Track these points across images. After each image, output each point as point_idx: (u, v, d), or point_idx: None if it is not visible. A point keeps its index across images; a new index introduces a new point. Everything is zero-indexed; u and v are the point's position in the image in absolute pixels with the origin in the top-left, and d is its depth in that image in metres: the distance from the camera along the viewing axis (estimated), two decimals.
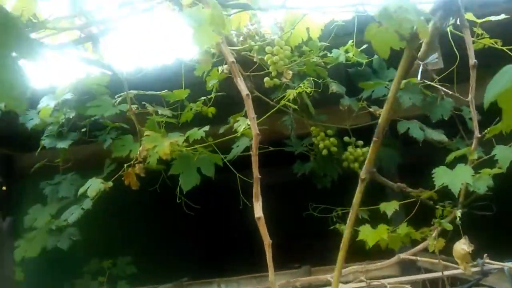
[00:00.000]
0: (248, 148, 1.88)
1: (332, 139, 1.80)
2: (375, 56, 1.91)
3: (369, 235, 1.45)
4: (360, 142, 1.81)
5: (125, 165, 1.88)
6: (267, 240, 1.24)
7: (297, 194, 3.73)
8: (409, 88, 1.72)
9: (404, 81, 1.76)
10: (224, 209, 4.22)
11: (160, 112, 1.80)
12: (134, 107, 1.95)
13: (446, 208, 1.48)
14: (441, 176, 1.37)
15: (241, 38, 1.90)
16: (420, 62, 1.93)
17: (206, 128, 1.71)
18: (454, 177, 1.34)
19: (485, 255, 1.07)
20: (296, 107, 1.57)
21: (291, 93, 1.43)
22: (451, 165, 1.45)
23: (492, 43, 1.74)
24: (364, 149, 1.77)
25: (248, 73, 1.92)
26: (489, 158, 1.39)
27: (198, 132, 1.71)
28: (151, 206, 3.41)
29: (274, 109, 1.60)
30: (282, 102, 1.51)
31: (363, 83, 1.83)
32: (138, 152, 1.74)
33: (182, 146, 1.75)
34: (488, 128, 1.41)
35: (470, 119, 1.86)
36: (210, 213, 3.96)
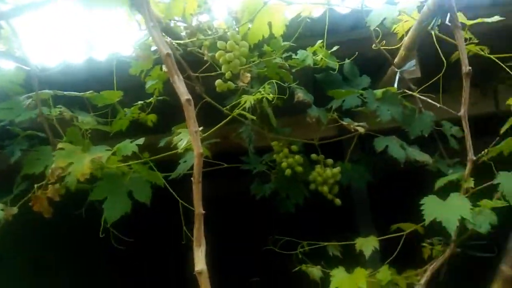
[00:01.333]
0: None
1: (297, 156, 1.49)
2: (347, 60, 1.64)
3: (343, 282, 1.14)
4: (330, 161, 1.52)
5: (35, 185, 1.46)
6: None
7: (257, 213, 3.35)
8: (388, 99, 1.46)
9: (381, 90, 1.49)
10: (164, 244, 3.72)
11: (80, 118, 1.40)
12: (56, 111, 1.54)
13: (436, 246, 1.21)
14: (432, 209, 1.10)
15: (189, 31, 1.55)
16: (397, 70, 1.69)
17: (140, 141, 1.34)
18: (448, 211, 1.07)
19: None
20: (254, 117, 1.25)
21: (249, 100, 1.11)
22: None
23: (478, 50, 1.52)
24: (335, 170, 1.48)
25: (197, 74, 1.58)
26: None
27: (130, 146, 1.33)
28: (75, 237, 2.81)
29: (227, 119, 1.26)
30: (238, 110, 1.18)
31: (333, 91, 1.54)
32: (50, 171, 1.34)
33: (110, 163, 1.37)
34: (486, 150, 1.16)
35: (452, 136, 1.64)
36: (146, 249, 3.46)
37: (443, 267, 1.14)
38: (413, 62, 1.72)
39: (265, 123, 1.57)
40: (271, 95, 1.15)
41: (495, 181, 1.05)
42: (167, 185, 1.43)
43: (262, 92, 1.13)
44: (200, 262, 0.93)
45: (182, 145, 1.13)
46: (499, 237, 1.14)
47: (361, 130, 1.35)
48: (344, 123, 1.39)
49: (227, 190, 5.40)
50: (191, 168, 1.52)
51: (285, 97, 1.44)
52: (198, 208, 0.96)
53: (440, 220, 1.07)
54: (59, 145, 1.34)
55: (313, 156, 1.51)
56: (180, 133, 1.20)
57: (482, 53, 1.51)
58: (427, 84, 1.52)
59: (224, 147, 2.60)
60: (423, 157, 1.40)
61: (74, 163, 1.29)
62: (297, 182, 1.60)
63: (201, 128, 1.16)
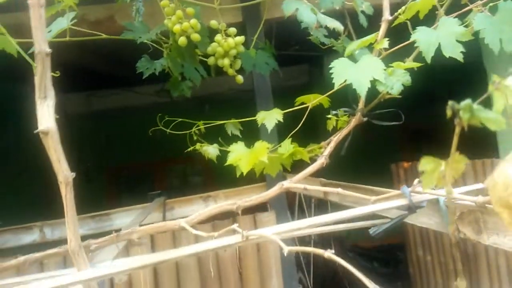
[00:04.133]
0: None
1: (193, 21, 1.22)
2: None
3: (242, 158, 0.99)
4: (233, 30, 1.28)
5: None
6: (62, 174, 0.67)
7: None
8: None
9: None
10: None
11: None
12: None
13: (341, 117, 1.11)
14: (343, 71, 0.97)
15: None
16: None
17: None
18: (359, 73, 0.95)
19: (415, 181, 0.72)
20: None
21: None
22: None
23: None
24: (238, 39, 1.26)
25: None
26: (400, 49, 1.04)
27: None
28: None
29: None
30: None
31: None
32: None
33: None
34: (402, 8, 1.04)
35: (362, 12, 1.52)
36: None
37: (348, 138, 1.06)
38: None
39: None
40: None
41: (412, 38, 0.94)
42: (21, 51, 1.07)
43: None
44: (45, 119, 0.67)
45: None
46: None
47: None
48: None
49: (121, 102, 4.93)
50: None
51: None
52: (40, 44, 0.66)
53: (350, 82, 0.95)
54: None
55: (213, 23, 1.26)
56: None
57: None
58: None
59: (110, 31, 2.18)
60: (334, 24, 1.24)
61: None
62: (193, 57, 1.35)
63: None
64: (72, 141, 1.45)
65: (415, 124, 3.84)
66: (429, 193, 0.77)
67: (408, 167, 3.09)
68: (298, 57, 4.38)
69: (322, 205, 2.50)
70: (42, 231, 2.14)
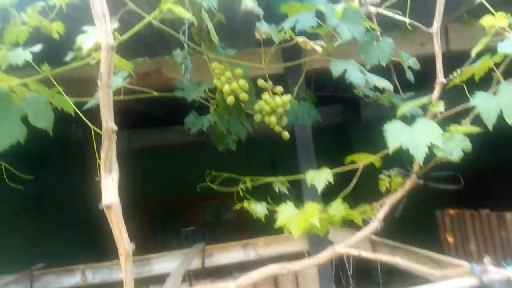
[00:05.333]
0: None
1: (241, 81, 1.26)
2: None
3: (292, 219, 0.97)
4: (279, 89, 1.30)
5: None
6: (123, 247, 0.67)
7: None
8: (349, 16, 1.25)
9: (341, 6, 1.28)
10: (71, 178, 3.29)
11: None
12: None
13: (394, 178, 1.08)
14: (397, 134, 0.95)
15: None
16: None
17: (37, 47, 1.01)
18: (415, 137, 0.93)
19: (485, 258, 0.67)
20: (190, 16, 0.96)
21: None
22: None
23: None
24: (285, 98, 1.27)
25: None
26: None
27: (22, 53, 1.00)
28: None
29: (150, 18, 0.97)
30: (169, 3, 0.89)
31: (286, 6, 1.30)
32: None
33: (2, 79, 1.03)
34: (458, 70, 1.02)
35: (410, 68, 1.51)
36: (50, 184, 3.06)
37: (402, 200, 1.02)
38: None
39: (204, 41, 1.30)
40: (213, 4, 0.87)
41: (470, 103, 0.91)
42: (78, 111, 1.13)
43: None
44: (109, 193, 0.69)
45: (88, 45, 0.83)
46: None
47: (318, 49, 1.14)
48: (299, 39, 1.17)
49: (159, 141, 5.07)
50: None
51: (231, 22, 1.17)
52: (107, 122, 0.70)
53: (406, 147, 0.92)
54: None
55: (260, 82, 1.29)
56: (87, 31, 0.89)
57: None
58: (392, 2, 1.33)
59: (157, 83, 2.28)
60: (383, 83, 1.24)
61: None
62: (239, 114, 1.38)
63: (116, 25, 0.87)
64: None
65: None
66: (501, 272, 0.72)
67: (455, 214, 2.93)
68: (333, 98, 4.39)
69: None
70: (84, 274, 2.17)
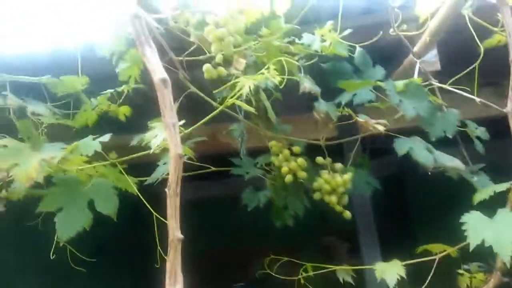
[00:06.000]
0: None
1: (299, 160, 1.23)
2: (358, 49, 1.39)
3: None
4: (339, 166, 1.26)
5: None
6: None
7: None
8: (411, 92, 1.21)
9: (402, 82, 1.24)
10: (132, 266, 3.30)
11: (30, 108, 1.11)
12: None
13: (476, 274, 0.96)
14: (479, 229, 0.85)
15: (172, 6, 1.27)
16: (416, 60, 1.45)
17: (106, 137, 1.07)
18: (499, 233, 0.83)
19: None
20: (252, 109, 0.97)
21: (248, 83, 0.84)
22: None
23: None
24: (346, 177, 1.22)
25: (181, 58, 1.30)
26: None
27: (92, 143, 1.05)
28: (26, 252, 2.36)
29: (216, 112, 0.99)
30: (231, 99, 0.91)
31: (344, 83, 1.28)
32: None
33: (67, 164, 1.09)
34: None
35: (478, 137, 1.41)
36: (111, 271, 3.10)
37: None
38: (434, 52, 1.49)
39: (261, 119, 1.31)
40: (278, 77, 0.88)
41: None
42: (140, 194, 1.15)
43: (266, 74, 0.87)
44: None
45: (156, 143, 0.85)
46: None
47: (380, 128, 1.10)
48: (360, 120, 1.14)
49: (213, 193, 5.12)
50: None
51: (284, 87, 1.17)
52: (174, 231, 0.69)
53: (489, 243, 0.82)
54: (1, 142, 1.05)
55: (319, 159, 1.26)
56: (155, 127, 0.93)
57: None
58: (455, 78, 1.28)
59: (212, 148, 2.32)
60: (454, 163, 1.15)
61: (19, 164, 1.01)
62: (297, 190, 1.34)
63: (182, 122, 0.90)
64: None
65: None
66: None
67: None
68: (387, 148, 4.23)
69: None
70: None
